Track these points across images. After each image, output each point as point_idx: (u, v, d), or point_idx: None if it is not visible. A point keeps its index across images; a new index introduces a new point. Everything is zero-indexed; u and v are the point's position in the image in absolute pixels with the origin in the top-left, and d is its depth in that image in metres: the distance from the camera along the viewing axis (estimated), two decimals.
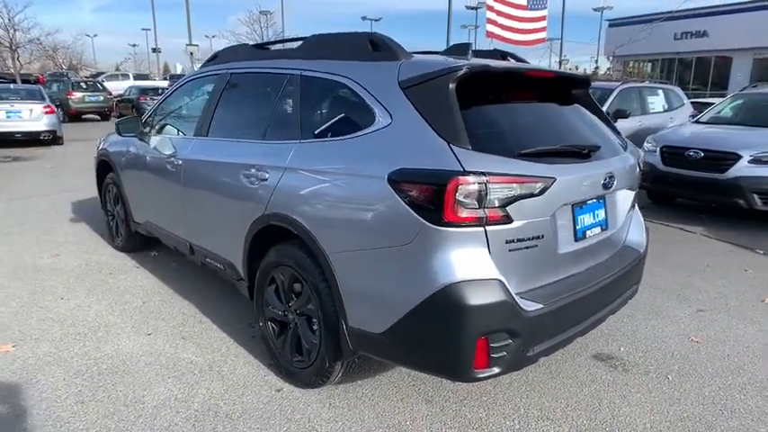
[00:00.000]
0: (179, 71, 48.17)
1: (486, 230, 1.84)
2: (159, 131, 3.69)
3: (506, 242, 1.89)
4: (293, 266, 2.38)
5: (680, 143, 6.03)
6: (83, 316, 3.29)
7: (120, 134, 3.82)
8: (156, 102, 3.90)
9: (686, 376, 2.71)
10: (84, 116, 18.68)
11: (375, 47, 2.31)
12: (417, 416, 2.34)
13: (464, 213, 1.79)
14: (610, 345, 3.02)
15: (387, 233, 1.95)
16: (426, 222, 1.82)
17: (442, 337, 1.86)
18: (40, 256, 4.36)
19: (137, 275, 3.99)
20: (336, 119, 2.34)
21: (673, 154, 5.99)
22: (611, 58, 30.66)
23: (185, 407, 2.38)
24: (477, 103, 2.09)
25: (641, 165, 2.70)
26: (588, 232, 2.27)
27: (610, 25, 32.77)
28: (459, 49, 2.63)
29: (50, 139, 11.53)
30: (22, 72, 26.44)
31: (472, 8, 38.92)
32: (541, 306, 1.95)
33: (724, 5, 26.69)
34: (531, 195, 1.91)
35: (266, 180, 2.47)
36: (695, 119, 7.29)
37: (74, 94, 17.95)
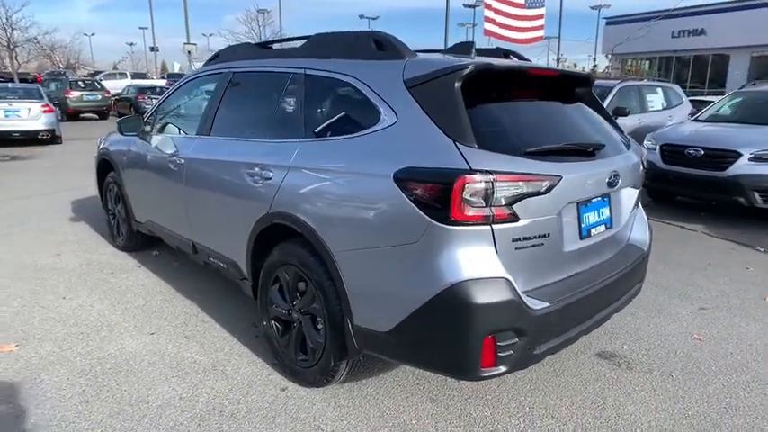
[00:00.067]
0: (176, 70, 48.08)
1: (492, 229, 1.84)
2: (161, 130, 3.68)
3: (513, 240, 1.89)
4: (297, 265, 2.38)
5: (680, 141, 6.04)
6: (85, 315, 3.28)
7: (121, 133, 3.81)
8: (157, 101, 3.89)
9: (690, 374, 2.72)
10: (82, 115, 18.63)
11: (379, 46, 2.31)
12: (422, 414, 2.34)
13: (471, 212, 1.79)
14: (613, 343, 3.03)
15: (393, 232, 1.95)
16: (433, 221, 1.82)
17: (449, 336, 1.86)
18: (40, 255, 4.35)
19: (138, 275, 3.98)
20: (341, 118, 2.33)
21: (673, 152, 6.00)
22: (609, 56, 30.68)
23: (190, 406, 2.37)
24: (482, 101, 2.09)
25: (645, 163, 2.70)
26: (593, 230, 2.27)
27: (607, 23, 32.79)
28: (463, 48, 2.63)
29: (49, 138, 11.50)
30: (19, 71, 26.36)
31: (470, 6, 38.91)
32: (548, 304, 1.95)
33: (721, 3, 26.72)
34: (538, 194, 1.91)
35: (270, 179, 2.47)
36: (694, 117, 7.31)
37: (72, 93, 17.90)
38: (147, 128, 3.74)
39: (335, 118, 2.35)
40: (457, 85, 1.95)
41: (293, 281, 2.46)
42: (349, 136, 2.22)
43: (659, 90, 8.99)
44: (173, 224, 3.50)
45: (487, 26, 17.01)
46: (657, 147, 6.12)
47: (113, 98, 20.25)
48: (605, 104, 7.38)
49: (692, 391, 2.57)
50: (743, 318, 3.40)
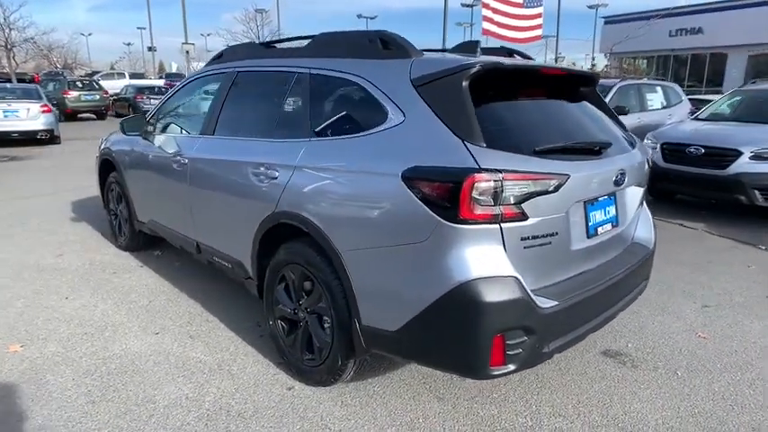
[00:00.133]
0: (174, 70, 48.01)
1: (501, 228, 1.84)
2: (164, 130, 3.67)
3: (521, 239, 1.89)
4: (304, 264, 2.38)
5: (680, 140, 6.05)
6: (89, 315, 3.27)
7: (124, 133, 3.80)
8: (160, 100, 3.88)
9: (695, 372, 2.72)
10: (80, 115, 18.58)
11: (386, 45, 2.31)
12: (429, 413, 2.34)
13: (480, 210, 1.79)
14: (618, 341, 3.03)
15: (401, 231, 1.95)
16: (442, 220, 1.82)
17: (459, 335, 1.86)
18: (42, 255, 4.34)
19: (141, 274, 3.97)
20: (347, 117, 2.33)
21: (673, 151, 6.01)
22: (608, 55, 30.72)
23: (197, 406, 2.37)
24: (490, 100, 2.09)
25: (650, 161, 2.70)
26: (600, 229, 2.28)
27: (605, 22, 32.82)
28: (468, 47, 2.64)
29: (48, 138, 11.46)
30: (17, 71, 26.27)
31: (468, 6, 38.95)
32: (556, 303, 1.95)
33: (719, 2, 26.78)
34: (546, 192, 1.91)
35: (276, 178, 2.46)
36: (694, 116, 7.32)
37: (70, 93, 17.84)
38: (150, 127, 3.73)
39: (342, 117, 2.35)
40: (465, 83, 1.95)
41: (299, 280, 2.46)
42: (356, 135, 2.21)
43: (659, 89, 9.01)
44: (176, 224, 3.49)
45: (486, 25, 17.02)
46: (658, 145, 6.14)
47: (112, 98, 20.20)
48: None
49: (698, 388, 2.57)
50: (746, 316, 3.41)
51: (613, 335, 3.10)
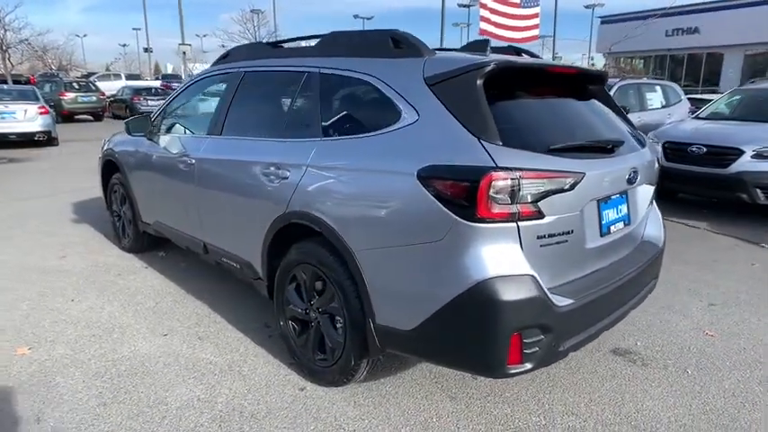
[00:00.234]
0: (170, 71, 47.86)
1: (518, 226, 1.84)
2: (169, 131, 3.66)
3: (538, 237, 1.89)
4: (316, 265, 2.37)
5: (682, 139, 6.07)
6: (96, 317, 3.26)
7: (129, 133, 3.78)
8: (164, 101, 3.86)
9: (705, 370, 2.73)
10: (76, 117, 18.49)
11: (397, 44, 2.30)
12: (443, 413, 2.34)
13: (497, 209, 1.79)
14: (626, 340, 3.04)
15: (417, 230, 1.94)
16: (459, 218, 1.82)
17: (476, 334, 1.86)
18: (45, 257, 4.31)
19: (146, 276, 3.95)
20: (359, 116, 2.33)
21: (675, 150, 6.03)
22: (606, 54, 30.80)
23: (209, 407, 2.36)
24: (503, 98, 2.09)
25: (660, 160, 2.71)
26: (612, 227, 2.28)
27: (602, 22, 32.92)
28: (478, 46, 2.63)
29: (45, 140, 11.40)
30: (12, 73, 26.13)
31: (464, 6, 39.01)
32: (572, 301, 1.95)
33: (715, 2, 26.90)
34: (562, 191, 1.91)
35: (287, 178, 2.46)
36: (695, 115, 7.35)
37: (66, 94, 17.77)
38: (155, 128, 3.71)
39: (354, 116, 2.34)
40: (479, 82, 1.95)
41: (311, 280, 2.45)
42: (368, 134, 2.21)
43: (658, 88, 9.04)
44: (183, 225, 3.48)
45: (483, 25, 17.05)
46: (659, 144, 6.15)
47: (108, 100, 20.12)
48: None
49: (708, 386, 2.58)
50: (752, 314, 3.42)
51: (621, 333, 3.10)
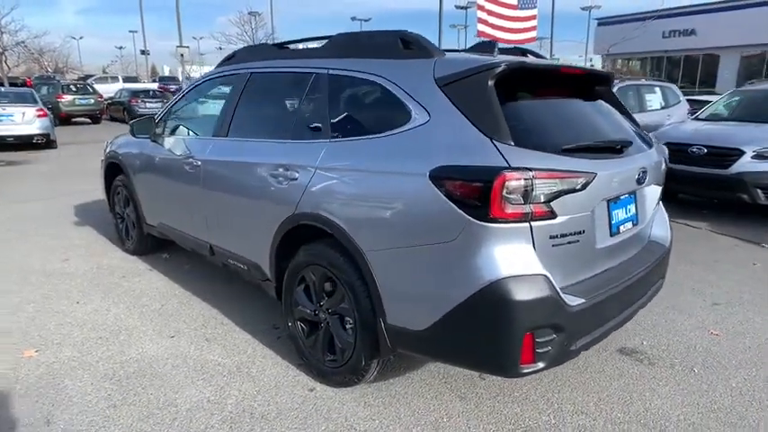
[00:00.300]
0: (167, 73, 47.79)
1: (531, 226, 1.85)
2: (174, 133, 3.66)
3: (550, 237, 1.90)
4: (326, 266, 2.37)
5: (682, 140, 6.09)
6: (102, 320, 3.25)
7: (134, 135, 3.77)
8: (168, 103, 3.86)
9: (711, 369, 2.75)
10: (74, 119, 18.44)
11: (406, 45, 2.31)
12: (453, 413, 2.34)
13: (510, 209, 1.80)
14: (632, 339, 3.05)
15: (429, 230, 1.95)
16: (472, 219, 1.82)
17: (489, 333, 1.86)
18: (48, 260, 4.30)
19: (151, 278, 3.95)
20: (369, 117, 2.34)
21: (676, 150, 6.04)
22: (604, 56, 30.93)
23: (219, 409, 2.36)
24: (514, 99, 2.11)
25: (667, 160, 2.73)
26: (622, 227, 2.30)
27: (599, 24, 33.09)
28: (485, 48, 2.65)
29: (44, 142, 11.37)
30: (9, 75, 26.05)
31: (462, 8, 39.14)
32: (583, 301, 1.96)
33: (711, 3, 27.08)
34: (574, 191, 1.92)
35: (296, 179, 2.46)
36: (695, 116, 7.39)
37: (64, 96, 17.71)
38: (159, 130, 3.71)
39: (363, 117, 2.35)
40: (491, 82, 1.96)
41: (320, 281, 2.45)
42: (378, 135, 2.22)
43: (657, 89, 9.08)
44: (188, 227, 3.47)
45: (480, 27, 17.11)
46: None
47: (106, 102, 20.08)
48: None
49: (715, 384, 2.60)
50: (756, 313, 3.44)
51: (627, 333, 3.11)
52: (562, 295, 1.90)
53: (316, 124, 2.54)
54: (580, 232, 1.99)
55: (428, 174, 1.93)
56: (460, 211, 1.85)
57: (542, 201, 1.85)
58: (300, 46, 3.06)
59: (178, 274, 4.03)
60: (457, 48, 3.30)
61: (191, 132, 3.55)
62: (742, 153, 5.50)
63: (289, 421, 2.28)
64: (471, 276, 1.84)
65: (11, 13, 29.72)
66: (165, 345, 2.94)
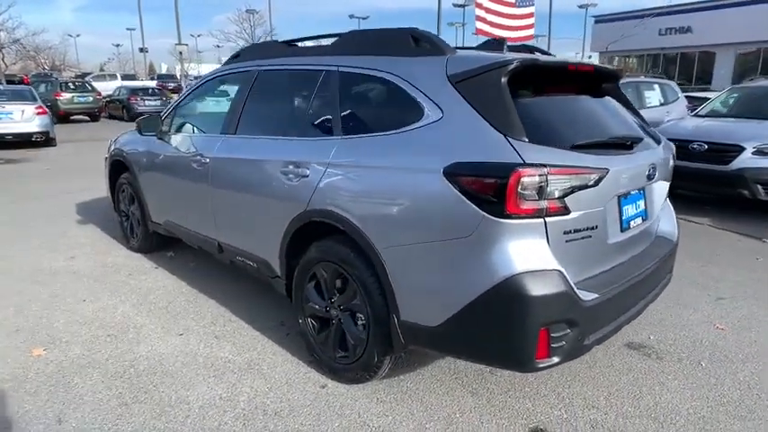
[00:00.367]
0: (164, 71, 47.61)
1: (545, 222, 1.86)
2: (180, 130, 3.65)
3: (564, 233, 1.92)
4: (338, 262, 2.38)
5: (683, 136, 6.11)
6: (109, 318, 3.25)
7: (141, 133, 3.76)
8: (174, 100, 3.86)
9: (718, 362, 2.77)
10: (72, 117, 18.36)
11: (417, 42, 2.32)
12: (465, 408, 2.36)
13: (525, 205, 1.81)
14: (639, 334, 3.07)
15: (443, 226, 1.96)
16: (487, 215, 1.83)
17: (504, 329, 1.87)
18: (54, 258, 4.29)
19: (157, 276, 3.95)
20: (380, 114, 2.34)
21: (676, 147, 6.05)
22: (603, 53, 30.98)
23: (232, 406, 2.37)
24: (526, 96, 2.11)
25: (674, 157, 2.75)
26: (632, 223, 2.31)
27: (596, 21, 33.16)
28: (494, 45, 2.66)
29: (43, 140, 11.31)
30: (6, 73, 25.91)
31: (459, 6, 39.07)
32: (597, 296, 1.98)
33: (707, 1, 27.15)
34: (587, 186, 1.94)
35: (307, 176, 2.46)
36: (694, 112, 7.42)
37: (62, 94, 17.62)
38: (166, 128, 3.70)
39: (375, 114, 2.36)
40: (504, 79, 1.97)
41: (331, 278, 2.46)
42: (390, 132, 2.22)
43: (656, 86, 9.14)
44: (196, 224, 3.47)
45: (479, 25, 17.09)
46: None
47: (105, 100, 20.00)
48: None
49: (723, 378, 2.62)
50: (760, 307, 3.47)
51: (634, 328, 3.13)
52: (576, 290, 1.91)
53: (326, 121, 2.54)
54: (593, 228, 2.01)
55: (442, 170, 1.94)
56: (475, 208, 1.85)
57: (556, 197, 1.86)
58: (309, 44, 3.06)
59: (184, 271, 4.03)
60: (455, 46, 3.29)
61: (198, 130, 3.54)
62: (742, 149, 5.53)
63: (302, 418, 2.28)
64: (487, 272, 1.85)
65: (8, 10, 29.56)
66: (175, 342, 2.94)
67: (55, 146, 11.72)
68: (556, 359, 1.92)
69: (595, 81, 2.63)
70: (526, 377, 2.57)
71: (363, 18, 47.34)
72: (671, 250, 2.65)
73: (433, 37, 2.30)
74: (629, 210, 2.29)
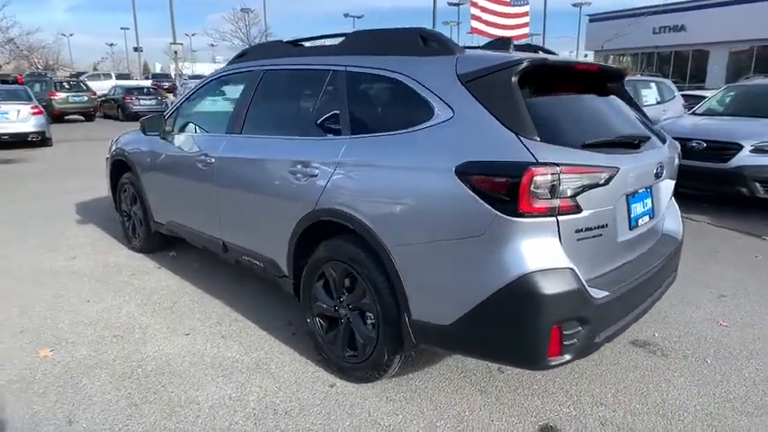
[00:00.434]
0: (158, 70, 47.41)
1: (557, 220, 1.87)
2: (184, 130, 3.64)
3: (576, 231, 1.93)
4: (347, 261, 2.38)
5: (681, 134, 6.13)
6: (114, 318, 3.24)
7: (144, 133, 3.75)
8: (177, 100, 3.84)
9: (723, 359, 2.79)
10: (67, 117, 18.23)
11: (426, 42, 2.32)
12: (475, 406, 2.37)
13: (538, 204, 1.82)
14: (644, 331, 3.09)
15: (455, 225, 1.97)
16: (500, 214, 1.84)
17: (517, 327, 1.89)
18: (54, 259, 4.27)
19: (160, 276, 3.94)
20: (390, 113, 2.35)
21: None
22: (597, 51, 31.10)
23: (242, 405, 2.37)
24: (535, 95, 2.12)
25: (680, 155, 2.77)
26: (640, 221, 2.33)
27: (590, 20, 33.28)
28: (501, 44, 2.67)
29: (39, 140, 11.22)
30: (0, 72, 25.67)
31: (454, 4, 39.13)
32: (607, 293, 1.99)
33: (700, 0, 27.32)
34: (598, 185, 1.95)
35: (315, 176, 2.47)
36: (692, 111, 7.47)
37: (57, 94, 17.49)
38: (169, 127, 3.69)
39: (384, 114, 2.36)
40: (514, 79, 1.98)
41: (340, 277, 2.46)
42: (400, 132, 2.22)
43: (653, 85, 9.19)
44: (200, 224, 3.46)
45: (474, 24, 17.12)
46: None
47: (99, 99, 19.88)
48: None
49: (729, 375, 2.64)
50: (762, 304, 3.50)
51: (639, 325, 3.14)
52: (588, 288, 1.92)
53: (334, 121, 2.54)
54: (603, 226, 2.02)
55: (454, 169, 1.94)
56: (488, 206, 1.86)
57: (569, 195, 1.87)
58: (317, 43, 3.06)
59: (187, 271, 4.02)
60: None
61: (202, 130, 3.53)
62: (741, 147, 5.57)
63: (312, 417, 2.29)
64: (499, 271, 1.86)
65: (2, 9, 29.27)
66: (181, 342, 2.93)
67: (51, 146, 11.64)
68: (568, 357, 1.94)
69: (601, 80, 2.64)
70: (534, 375, 2.59)
71: (358, 17, 47.34)
72: (676, 248, 2.67)
73: (442, 37, 2.30)
74: (638, 208, 2.31)
